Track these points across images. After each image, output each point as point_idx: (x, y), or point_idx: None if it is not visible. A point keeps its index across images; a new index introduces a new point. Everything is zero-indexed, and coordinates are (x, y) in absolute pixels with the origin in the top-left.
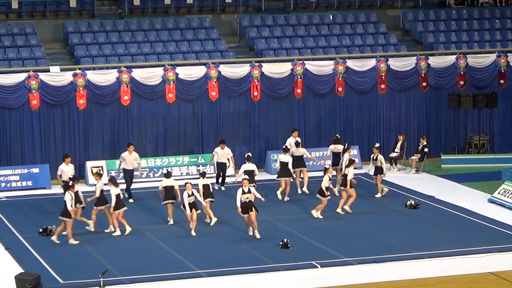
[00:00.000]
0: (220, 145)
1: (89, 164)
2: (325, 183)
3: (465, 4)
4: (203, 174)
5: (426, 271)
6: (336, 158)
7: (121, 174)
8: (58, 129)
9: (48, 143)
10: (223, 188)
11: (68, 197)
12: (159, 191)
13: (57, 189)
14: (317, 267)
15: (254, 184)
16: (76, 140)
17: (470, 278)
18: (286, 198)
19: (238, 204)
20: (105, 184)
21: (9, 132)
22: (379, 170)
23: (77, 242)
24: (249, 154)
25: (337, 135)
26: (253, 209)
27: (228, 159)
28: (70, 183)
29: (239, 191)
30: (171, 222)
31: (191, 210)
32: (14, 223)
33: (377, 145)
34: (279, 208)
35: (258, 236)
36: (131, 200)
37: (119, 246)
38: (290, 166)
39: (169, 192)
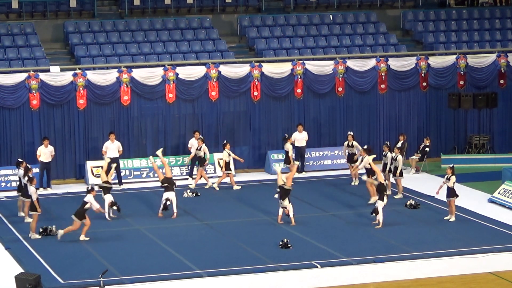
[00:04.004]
0: (194, 135)
1: (89, 164)
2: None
3: (465, 4)
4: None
5: (426, 271)
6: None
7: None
8: (58, 129)
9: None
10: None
11: (33, 190)
12: None
13: (57, 189)
14: (317, 267)
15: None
16: (76, 140)
17: (470, 278)
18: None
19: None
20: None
21: (9, 132)
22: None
23: (40, 237)
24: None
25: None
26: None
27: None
28: (31, 175)
29: None
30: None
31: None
32: (14, 223)
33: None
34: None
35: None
36: (122, 186)
37: (119, 246)
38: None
39: None
